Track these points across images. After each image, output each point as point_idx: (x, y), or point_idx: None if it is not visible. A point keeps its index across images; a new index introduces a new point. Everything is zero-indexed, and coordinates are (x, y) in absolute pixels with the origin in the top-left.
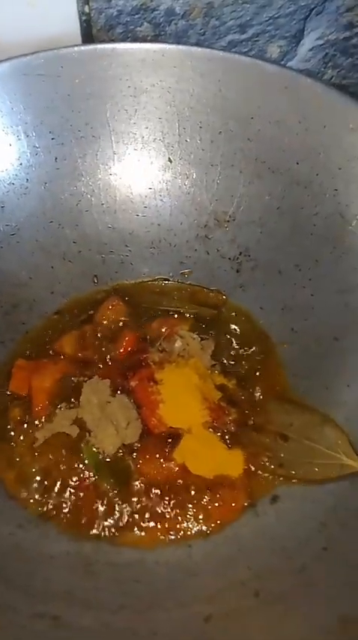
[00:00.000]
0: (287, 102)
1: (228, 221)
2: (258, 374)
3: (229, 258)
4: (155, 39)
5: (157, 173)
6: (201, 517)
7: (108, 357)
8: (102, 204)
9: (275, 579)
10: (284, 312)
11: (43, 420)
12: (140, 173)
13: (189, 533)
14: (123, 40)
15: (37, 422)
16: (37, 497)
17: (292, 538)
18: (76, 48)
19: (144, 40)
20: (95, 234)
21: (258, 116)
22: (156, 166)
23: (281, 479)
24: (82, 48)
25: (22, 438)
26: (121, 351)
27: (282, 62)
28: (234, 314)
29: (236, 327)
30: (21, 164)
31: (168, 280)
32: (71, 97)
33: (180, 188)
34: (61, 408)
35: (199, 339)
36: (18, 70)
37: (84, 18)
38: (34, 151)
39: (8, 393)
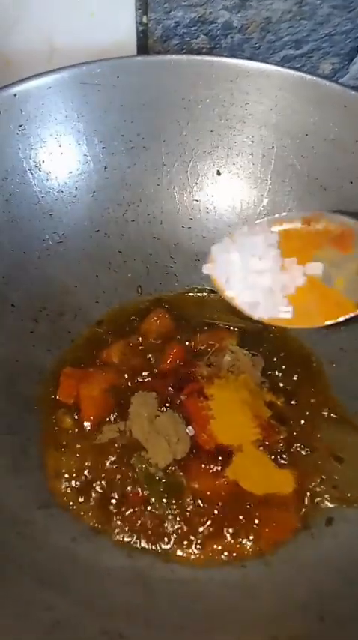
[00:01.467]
0: (344, 120)
1: None
2: (307, 392)
3: None
4: (210, 51)
5: (204, 185)
6: (252, 536)
7: (156, 369)
8: (148, 214)
9: (339, 603)
10: (333, 331)
11: (92, 430)
12: (187, 185)
13: (242, 552)
14: (178, 51)
15: (86, 432)
16: (88, 510)
17: (351, 561)
18: (133, 59)
19: (199, 52)
20: (140, 244)
21: (312, 133)
22: (204, 178)
23: (335, 501)
24: (139, 59)
25: (71, 448)
26: (168, 362)
27: (333, 79)
28: (281, 331)
29: (284, 345)
30: (71, 172)
31: (213, 292)
32: (124, 107)
33: (227, 201)
34: (110, 419)
35: (250, 354)
36: (76, 79)
37: (141, 28)
38: (84, 159)
39: (56, 400)
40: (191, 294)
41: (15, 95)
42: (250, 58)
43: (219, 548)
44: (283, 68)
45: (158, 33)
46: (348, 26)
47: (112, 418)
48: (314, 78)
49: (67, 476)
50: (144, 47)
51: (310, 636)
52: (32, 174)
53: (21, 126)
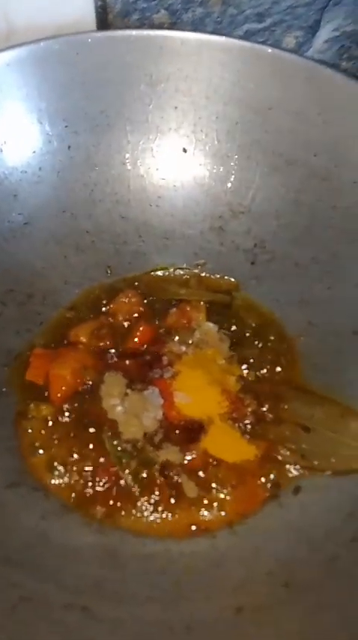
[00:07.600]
0: (307, 93)
1: (243, 212)
2: (276, 366)
3: (244, 250)
4: (171, 26)
5: (171, 163)
6: (223, 508)
7: (125, 348)
8: (116, 193)
9: (304, 570)
10: (301, 304)
11: (62, 409)
12: (154, 163)
13: (212, 523)
14: (139, 27)
15: (57, 412)
16: (59, 486)
17: (318, 529)
18: (92, 34)
19: (160, 27)
20: (108, 224)
21: (276, 107)
22: (170, 156)
23: (303, 470)
24: (98, 34)
25: (43, 427)
26: (137, 341)
27: (298, 52)
28: (249, 305)
29: (252, 319)
30: (34, 152)
31: (181, 269)
32: (86, 84)
33: (195, 179)
34: (81, 397)
35: (217, 328)
36: (33, 56)
37: (99, 3)
38: (47, 138)
39: (26, 381)
40: (160, 272)
41: None
42: (212, 33)
43: (190, 520)
44: (244, 41)
45: (117, 8)
46: None
47: (84, 397)
48: (276, 50)
49: (39, 453)
50: (104, 23)
51: (274, 603)
52: None
53: None
